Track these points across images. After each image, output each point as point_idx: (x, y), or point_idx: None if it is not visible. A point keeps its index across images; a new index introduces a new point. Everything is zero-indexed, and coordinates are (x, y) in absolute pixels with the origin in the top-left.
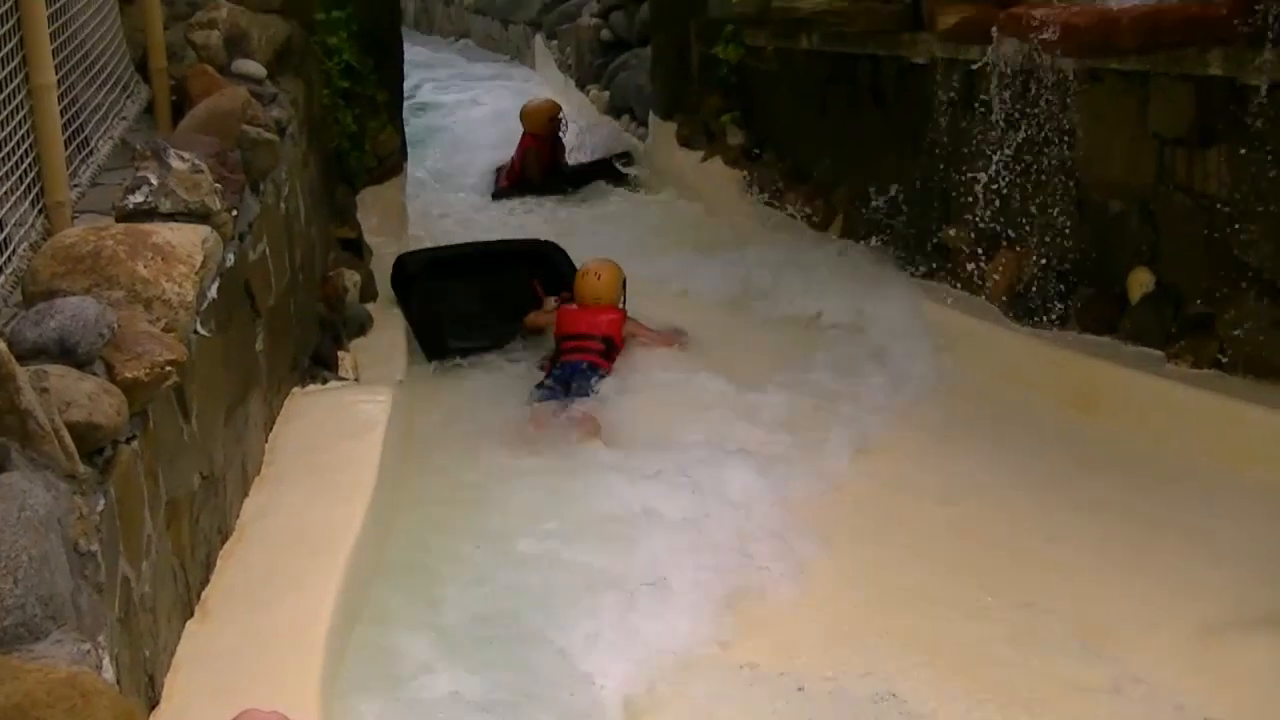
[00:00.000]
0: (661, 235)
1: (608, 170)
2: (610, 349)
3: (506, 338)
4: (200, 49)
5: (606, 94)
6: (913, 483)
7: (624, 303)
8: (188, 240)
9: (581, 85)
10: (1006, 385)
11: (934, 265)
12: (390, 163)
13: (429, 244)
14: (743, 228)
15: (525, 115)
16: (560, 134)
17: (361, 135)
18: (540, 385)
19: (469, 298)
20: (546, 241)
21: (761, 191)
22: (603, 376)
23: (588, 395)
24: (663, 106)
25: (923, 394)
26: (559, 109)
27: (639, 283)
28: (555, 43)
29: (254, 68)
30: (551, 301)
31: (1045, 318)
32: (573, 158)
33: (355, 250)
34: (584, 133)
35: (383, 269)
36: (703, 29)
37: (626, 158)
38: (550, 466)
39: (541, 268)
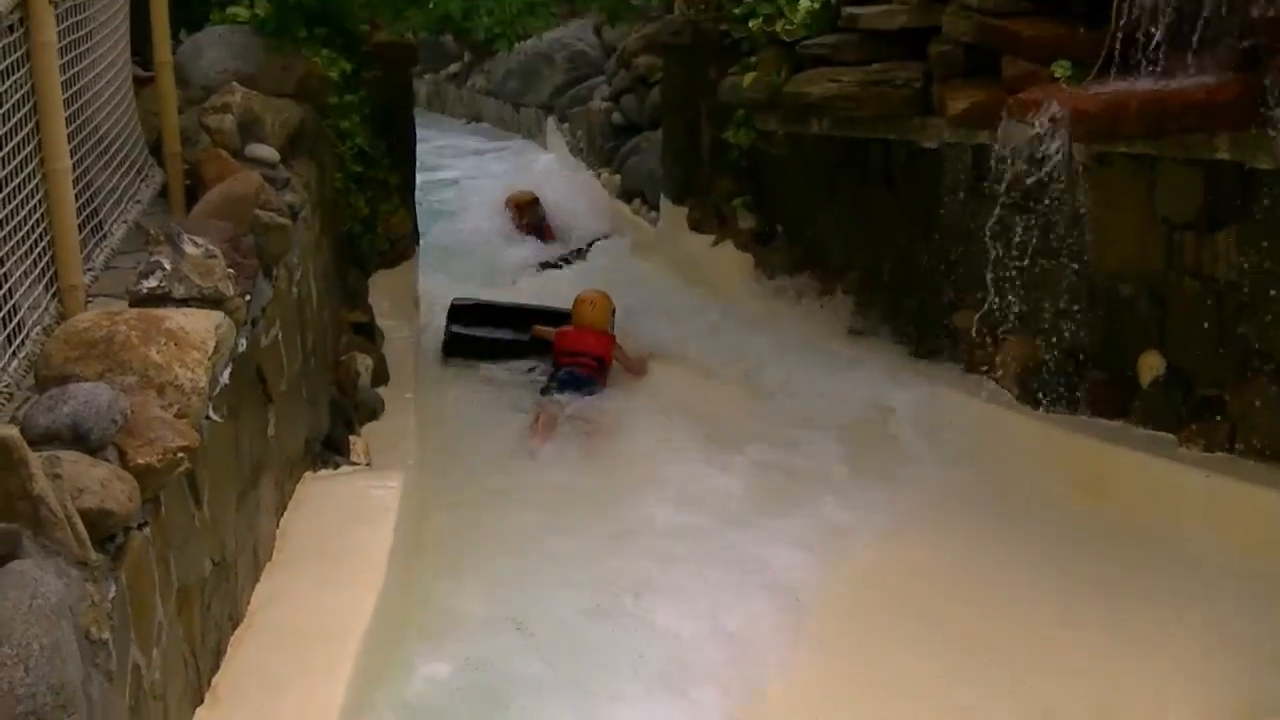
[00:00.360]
0: (674, 319)
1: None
2: (601, 366)
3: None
4: (214, 133)
5: (618, 177)
6: (923, 567)
7: (613, 328)
8: (201, 326)
9: (593, 168)
10: (1017, 469)
11: (944, 349)
12: (402, 246)
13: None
14: (754, 312)
15: (511, 199)
16: (540, 214)
17: (374, 218)
18: (545, 390)
19: (495, 332)
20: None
21: (772, 276)
22: (597, 389)
23: (591, 393)
24: (674, 190)
25: (933, 478)
26: (534, 197)
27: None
28: (567, 126)
29: (267, 152)
30: (552, 331)
31: (1056, 402)
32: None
33: (367, 334)
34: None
35: (395, 353)
36: (714, 113)
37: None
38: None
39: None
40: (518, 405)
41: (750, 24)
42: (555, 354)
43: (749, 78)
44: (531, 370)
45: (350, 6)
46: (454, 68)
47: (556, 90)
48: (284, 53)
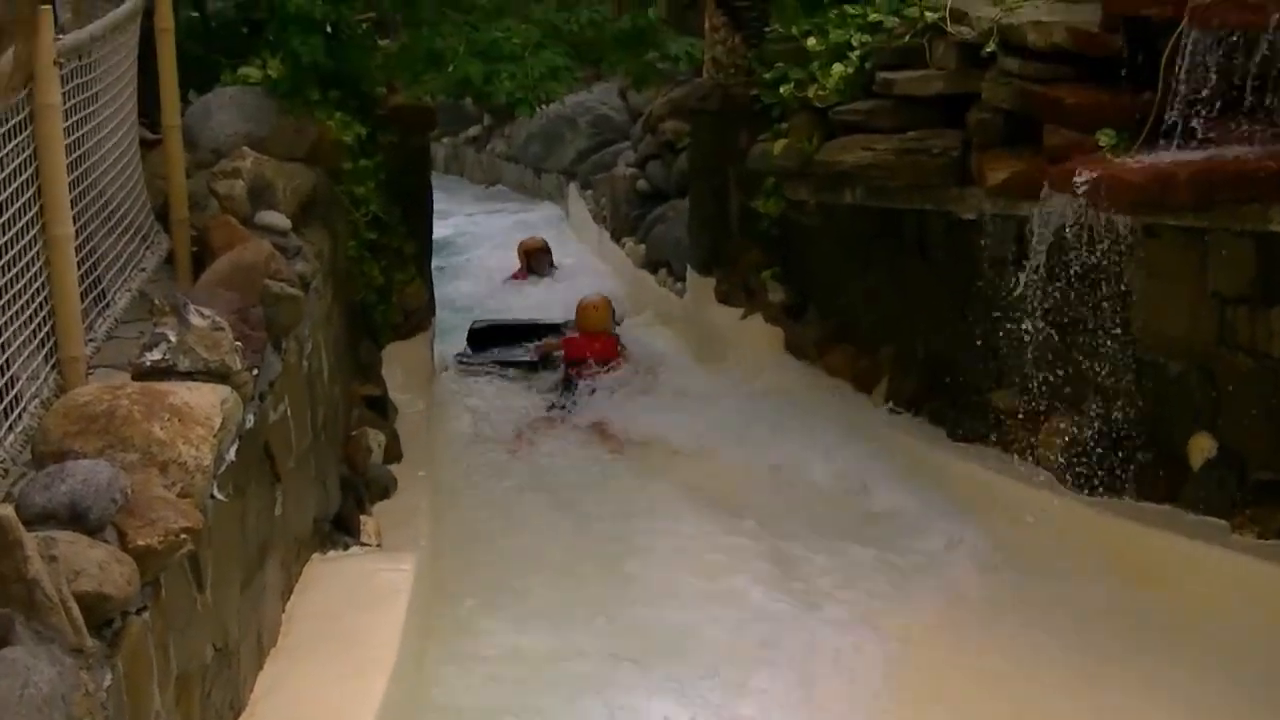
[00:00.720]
0: (700, 398)
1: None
2: (609, 366)
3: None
4: (223, 199)
5: (643, 247)
6: (963, 660)
7: (616, 329)
8: (206, 401)
9: (617, 237)
10: (1061, 556)
11: (984, 429)
12: (418, 317)
13: (459, 403)
14: (784, 389)
15: (521, 245)
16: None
17: (388, 288)
18: (552, 406)
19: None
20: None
21: (803, 351)
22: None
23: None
24: (701, 261)
25: (973, 566)
26: (544, 244)
27: (674, 449)
28: (590, 193)
29: (278, 219)
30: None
31: (1101, 485)
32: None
33: (379, 409)
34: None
35: (408, 428)
36: (742, 181)
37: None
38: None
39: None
40: (539, 483)
41: (781, 89)
42: (566, 363)
43: (780, 145)
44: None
45: (366, 68)
46: (473, 131)
47: (579, 155)
48: (297, 115)
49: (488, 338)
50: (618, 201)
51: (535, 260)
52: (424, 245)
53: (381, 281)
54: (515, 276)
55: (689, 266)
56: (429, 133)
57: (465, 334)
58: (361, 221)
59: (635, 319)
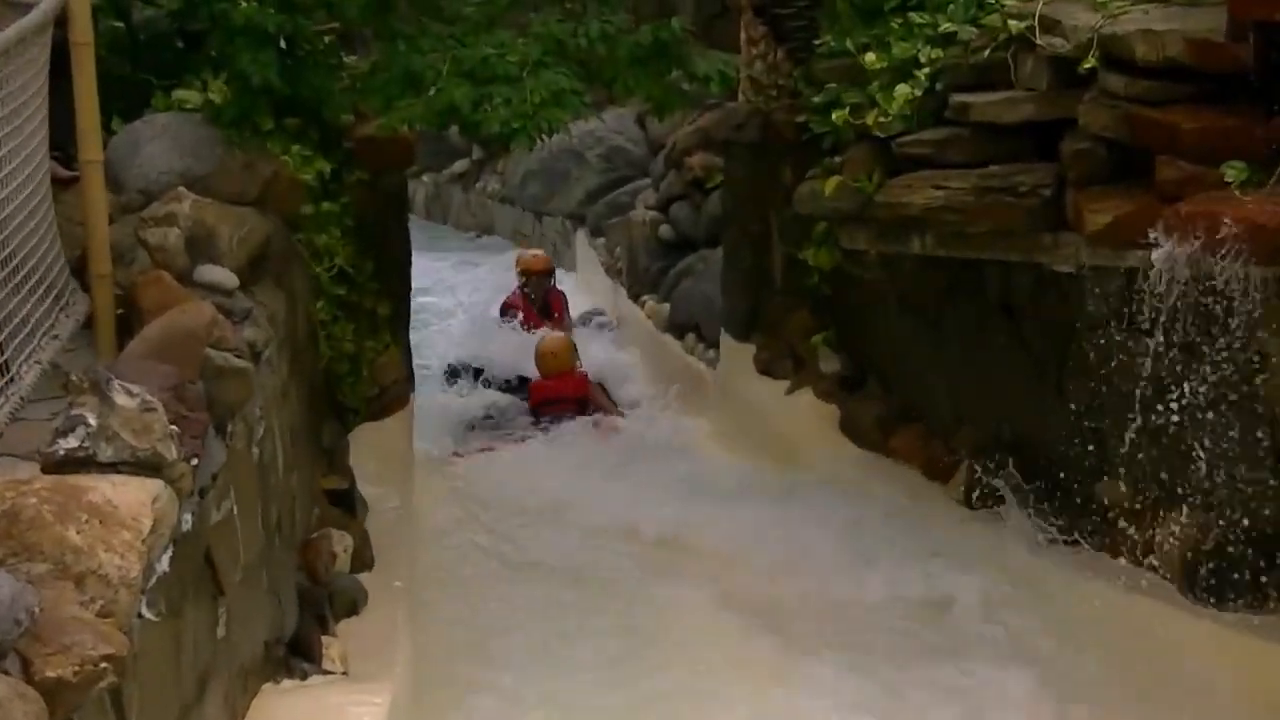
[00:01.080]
0: (737, 490)
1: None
2: (583, 405)
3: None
4: (155, 250)
5: (666, 307)
6: None
7: (580, 365)
8: (134, 499)
9: (635, 295)
10: (1183, 682)
11: (1086, 530)
12: (394, 393)
13: (443, 500)
14: (840, 481)
15: (520, 262)
16: (554, 282)
17: (358, 359)
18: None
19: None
20: None
21: (862, 433)
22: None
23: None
24: (737, 324)
25: (1075, 695)
26: (550, 264)
27: (705, 551)
28: (602, 241)
29: (223, 275)
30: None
31: (1233, 597)
32: None
33: (346, 505)
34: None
35: (382, 529)
36: (788, 227)
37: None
38: None
39: None
40: (544, 596)
41: (834, 115)
42: (534, 408)
43: (832, 183)
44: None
45: (330, 92)
46: (460, 166)
47: (588, 196)
48: (245, 149)
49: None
50: (635, 252)
51: (534, 284)
52: (400, 306)
53: (349, 350)
54: (511, 305)
55: (722, 330)
56: (406, 169)
57: (446, 419)
58: (325, 277)
59: (655, 392)
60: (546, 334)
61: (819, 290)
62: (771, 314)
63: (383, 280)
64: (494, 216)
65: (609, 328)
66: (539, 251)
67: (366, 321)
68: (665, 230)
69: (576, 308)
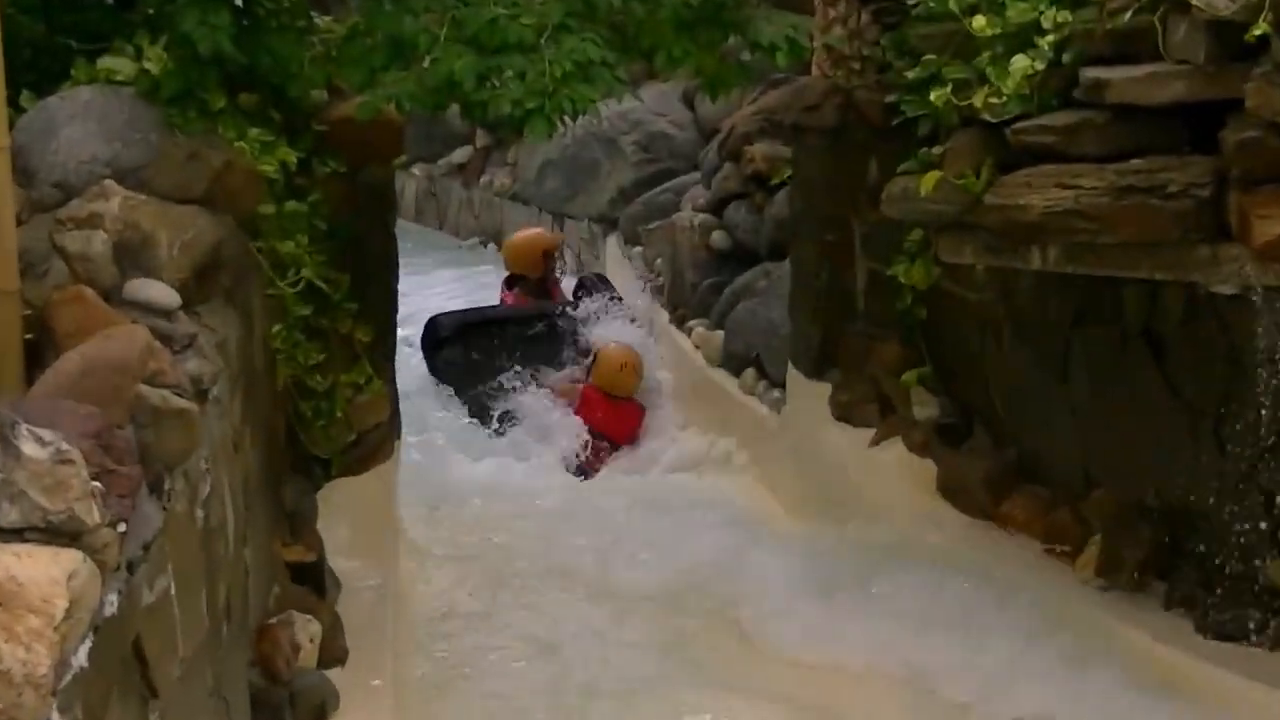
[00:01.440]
0: (808, 564)
1: None
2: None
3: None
4: (75, 260)
5: (719, 335)
6: None
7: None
8: (44, 575)
9: (680, 320)
10: None
11: (1261, 623)
12: (375, 440)
13: (431, 578)
14: (938, 556)
15: (509, 249)
16: (557, 273)
17: (330, 397)
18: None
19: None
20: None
21: (967, 496)
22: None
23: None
24: (809, 357)
25: None
26: (560, 241)
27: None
28: (638, 251)
29: (161, 292)
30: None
31: None
32: None
33: (314, 582)
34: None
35: (358, 613)
36: (874, 235)
37: None
38: None
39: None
40: (557, 702)
41: (933, 95)
42: (588, 428)
43: (930, 180)
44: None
45: (297, 63)
46: (460, 156)
47: (621, 194)
48: (191, 133)
49: (459, 339)
50: (681, 265)
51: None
52: (384, 331)
53: (319, 387)
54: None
55: (790, 365)
56: (393, 160)
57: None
58: (290, 295)
59: (706, 439)
60: (615, 344)
61: (912, 316)
62: (852, 345)
63: (362, 299)
64: (503, 219)
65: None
66: (538, 230)
67: (341, 351)
68: (719, 238)
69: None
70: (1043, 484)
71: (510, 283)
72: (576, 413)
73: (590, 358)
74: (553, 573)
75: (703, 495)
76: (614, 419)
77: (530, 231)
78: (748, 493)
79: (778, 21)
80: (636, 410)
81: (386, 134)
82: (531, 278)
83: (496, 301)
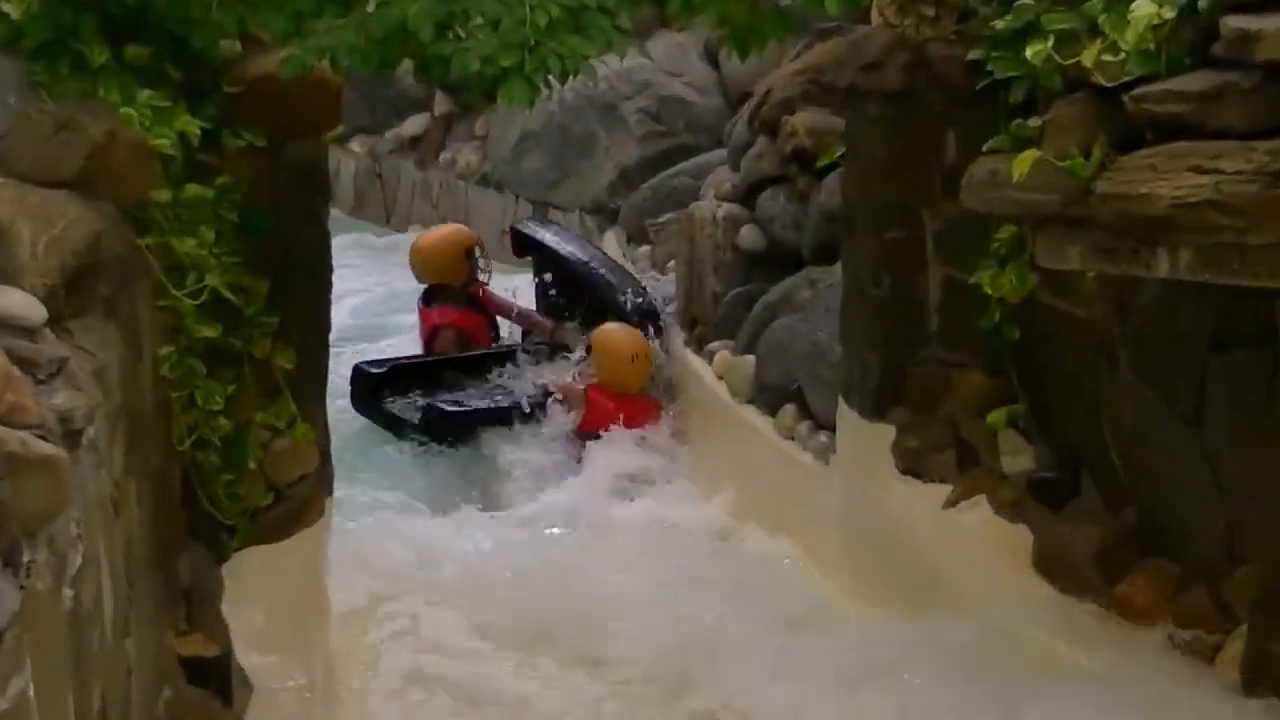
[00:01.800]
0: (868, 661)
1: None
2: None
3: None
4: None
5: (749, 360)
6: None
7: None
8: None
9: (699, 341)
10: None
11: None
12: (299, 497)
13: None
14: (1036, 649)
15: (420, 256)
16: (481, 276)
17: (241, 443)
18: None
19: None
20: None
21: (1072, 573)
22: None
23: None
24: (866, 391)
25: None
26: (475, 239)
27: None
28: (646, 250)
29: (21, 303)
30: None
31: None
32: None
33: (216, 682)
34: None
35: (276, 713)
36: (951, 233)
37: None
38: None
39: None
40: None
41: (1029, 51)
42: (580, 434)
43: (1026, 161)
44: None
45: (196, 3)
46: (413, 127)
47: (624, 177)
48: (62, 96)
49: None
50: (700, 270)
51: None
52: (313, 355)
53: (226, 428)
54: (438, 323)
55: (841, 402)
56: (327, 133)
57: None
58: (189, 308)
59: (731, 497)
60: (616, 327)
61: (1001, 337)
62: (923, 376)
63: (284, 313)
64: (469, 208)
65: None
66: (452, 226)
67: (256, 381)
68: (749, 235)
69: None
70: (1171, 557)
71: (429, 297)
72: (581, 428)
73: (583, 351)
74: (537, 674)
75: (727, 570)
76: (627, 414)
77: (442, 229)
78: (786, 568)
79: None
80: (653, 407)
81: (318, 98)
82: (455, 286)
83: (415, 322)
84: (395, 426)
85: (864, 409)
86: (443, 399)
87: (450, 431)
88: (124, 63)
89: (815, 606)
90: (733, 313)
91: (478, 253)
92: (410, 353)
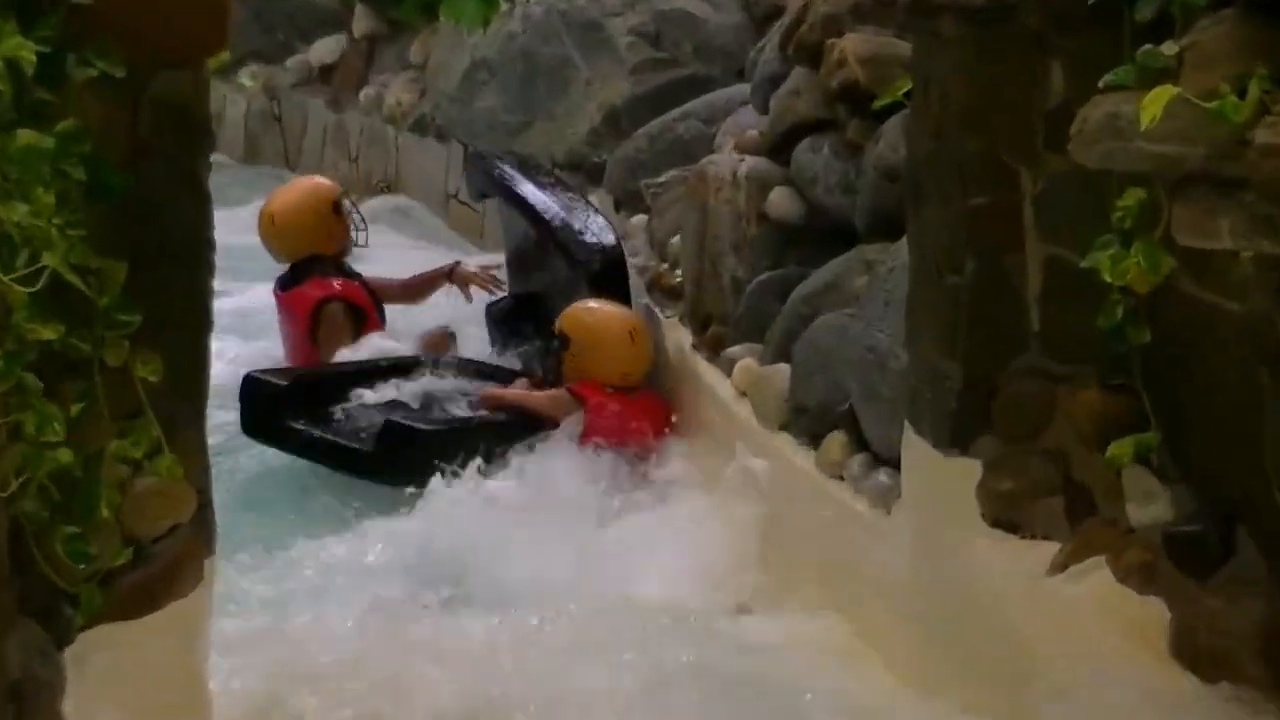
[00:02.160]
0: None
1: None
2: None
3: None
4: None
5: (782, 371)
6: None
7: None
8: None
9: (714, 343)
10: None
11: None
12: (168, 555)
13: None
14: None
15: (275, 224)
16: (356, 241)
17: (90, 479)
18: None
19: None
20: None
21: (1223, 661)
22: None
23: None
24: (940, 414)
25: None
26: (339, 190)
27: None
28: (641, 221)
29: None
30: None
31: None
32: None
33: None
34: None
35: None
36: (1057, 199)
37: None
38: None
39: None
40: None
41: None
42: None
43: (1158, 100)
44: None
45: None
46: (325, 52)
47: (611, 121)
48: None
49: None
50: (716, 248)
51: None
52: (187, 363)
53: (66, 463)
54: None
55: (908, 429)
56: (208, 59)
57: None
58: (20, 299)
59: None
60: (595, 303)
61: (1126, 340)
62: (1019, 393)
63: (150, 306)
64: (402, 166)
65: None
66: (312, 180)
67: (110, 398)
68: (782, 200)
69: None
70: None
71: (295, 276)
72: (586, 437)
73: (558, 342)
74: None
75: (747, 661)
76: (635, 415)
77: (299, 183)
78: (834, 652)
79: None
80: (664, 407)
81: (196, 13)
82: (328, 256)
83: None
84: (331, 457)
85: (939, 438)
86: (399, 412)
87: (424, 459)
88: None
89: (872, 708)
90: (759, 306)
91: (347, 205)
92: (274, 357)
